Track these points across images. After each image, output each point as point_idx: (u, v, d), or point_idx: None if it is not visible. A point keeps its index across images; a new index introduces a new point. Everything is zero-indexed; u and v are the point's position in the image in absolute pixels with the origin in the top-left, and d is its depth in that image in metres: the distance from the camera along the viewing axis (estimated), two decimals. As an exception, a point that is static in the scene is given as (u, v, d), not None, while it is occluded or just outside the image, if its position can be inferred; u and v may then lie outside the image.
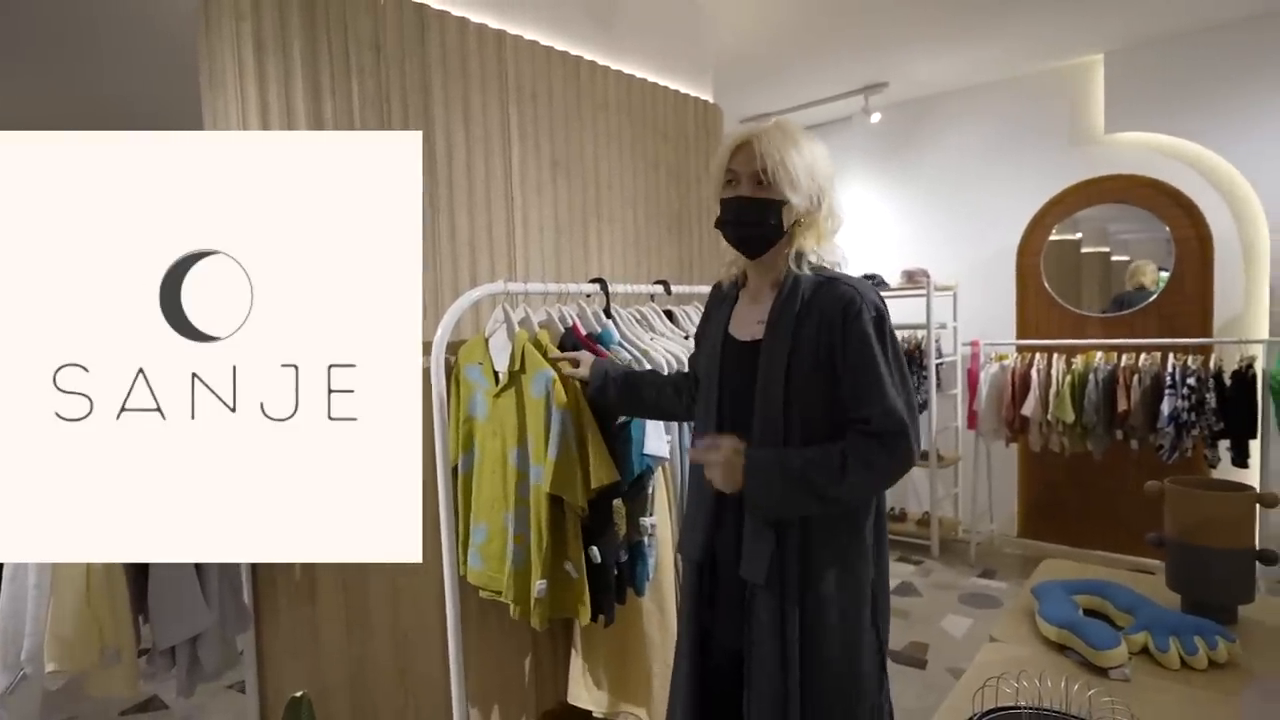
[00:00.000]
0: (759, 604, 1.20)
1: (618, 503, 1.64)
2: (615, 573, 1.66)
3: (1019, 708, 0.95)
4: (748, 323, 1.26)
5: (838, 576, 1.18)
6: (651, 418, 1.64)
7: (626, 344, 1.83)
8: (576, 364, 1.56)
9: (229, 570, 1.58)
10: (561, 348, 1.71)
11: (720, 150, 1.24)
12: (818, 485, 1.12)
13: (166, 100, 3.34)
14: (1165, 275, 3.47)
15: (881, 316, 1.16)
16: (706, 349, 1.34)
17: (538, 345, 1.63)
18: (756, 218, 1.19)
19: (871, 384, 1.12)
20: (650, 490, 1.71)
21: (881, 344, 1.14)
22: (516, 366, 1.61)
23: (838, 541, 1.19)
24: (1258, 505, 1.29)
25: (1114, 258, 3.67)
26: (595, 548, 1.60)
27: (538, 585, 1.56)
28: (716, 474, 1.18)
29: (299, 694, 1.08)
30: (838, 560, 1.19)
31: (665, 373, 1.72)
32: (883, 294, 1.27)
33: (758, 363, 1.20)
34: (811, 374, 1.16)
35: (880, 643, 1.24)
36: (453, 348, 1.74)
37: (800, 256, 1.20)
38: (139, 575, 1.43)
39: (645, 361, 1.79)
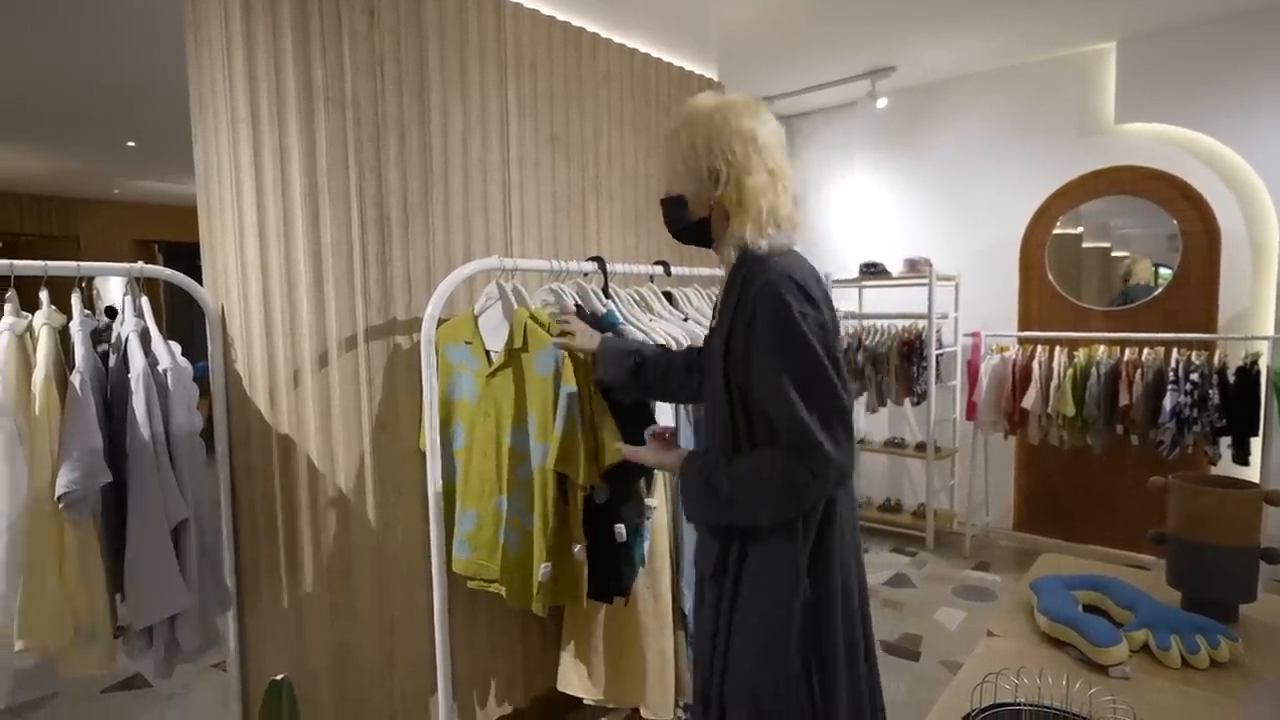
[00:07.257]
0: (708, 591, 1.23)
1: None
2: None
3: (1019, 704, 0.92)
4: None
5: (761, 590, 1.15)
6: (655, 399, 1.59)
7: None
8: (569, 332, 1.50)
9: (209, 549, 1.55)
10: None
11: None
12: (715, 484, 1.13)
13: (154, 66, 3.26)
14: (1166, 272, 3.43)
15: (785, 307, 1.06)
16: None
17: (539, 322, 1.58)
18: (665, 214, 1.27)
19: (775, 389, 1.06)
20: (652, 470, 1.67)
21: (783, 334, 1.06)
22: (518, 344, 1.57)
23: (769, 554, 1.14)
24: (1264, 503, 1.26)
25: (1114, 253, 3.63)
26: (620, 525, 1.57)
27: (542, 569, 1.52)
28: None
29: (279, 676, 1.06)
30: (766, 573, 1.14)
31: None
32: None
33: None
34: (746, 364, 1.12)
35: (808, 668, 1.14)
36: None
37: (741, 241, 1.14)
38: (116, 553, 1.39)
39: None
